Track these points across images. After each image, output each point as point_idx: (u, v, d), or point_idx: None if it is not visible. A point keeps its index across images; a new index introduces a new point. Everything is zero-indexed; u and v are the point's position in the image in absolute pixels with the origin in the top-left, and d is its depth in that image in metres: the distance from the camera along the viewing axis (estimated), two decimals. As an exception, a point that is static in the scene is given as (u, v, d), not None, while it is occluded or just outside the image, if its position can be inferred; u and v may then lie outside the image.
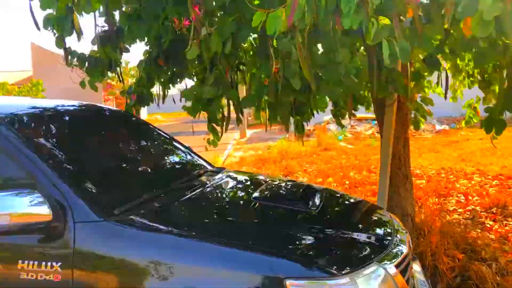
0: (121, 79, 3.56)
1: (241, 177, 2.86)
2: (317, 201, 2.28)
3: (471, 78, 4.79)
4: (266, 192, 2.34)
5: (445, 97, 3.81)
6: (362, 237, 2.00)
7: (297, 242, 1.84)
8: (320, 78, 2.22)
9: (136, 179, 2.29)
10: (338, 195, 2.82)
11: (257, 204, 2.20)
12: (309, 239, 1.87)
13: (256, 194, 2.26)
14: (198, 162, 2.99)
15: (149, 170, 2.46)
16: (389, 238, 2.01)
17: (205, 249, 1.69)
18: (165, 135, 3.11)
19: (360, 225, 2.23)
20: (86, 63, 3.20)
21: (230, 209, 2.24)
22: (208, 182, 2.45)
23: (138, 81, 3.53)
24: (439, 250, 3.51)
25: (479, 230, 4.37)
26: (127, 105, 3.50)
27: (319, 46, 2.25)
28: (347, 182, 6.84)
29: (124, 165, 2.37)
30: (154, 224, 1.86)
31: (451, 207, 5.29)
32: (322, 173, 7.75)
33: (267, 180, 2.74)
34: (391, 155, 3.91)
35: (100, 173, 2.14)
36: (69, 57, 3.13)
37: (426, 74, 3.43)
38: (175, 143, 3.08)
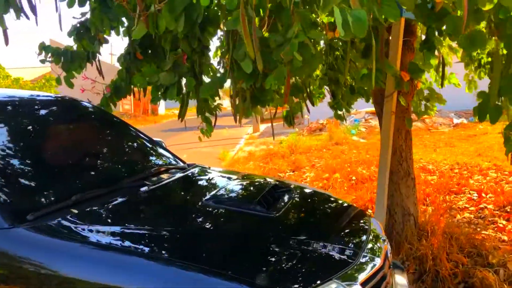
0: (100, 72, 3.36)
1: (205, 175, 2.58)
2: (281, 203, 2.01)
3: (482, 69, 4.45)
4: (223, 194, 2.07)
5: (442, 85, 3.48)
6: (326, 247, 1.69)
7: (242, 256, 1.56)
8: (271, 60, 1.94)
9: (69, 179, 2.01)
10: (313, 195, 2.51)
11: (208, 208, 1.92)
12: (257, 252, 1.59)
13: (210, 196, 1.99)
14: (162, 158, 2.74)
15: (91, 167, 2.20)
16: (358, 249, 1.73)
17: (127, 265, 1.41)
18: (132, 129, 2.84)
19: (327, 233, 1.89)
20: (62, 58, 2.99)
21: (171, 215, 1.90)
22: (162, 181, 2.19)
23: (118, 73, 3.33)
24: (441, 253, 3.21)
25: (490, 231, 4.04)
26: (103, 98, 3.28)
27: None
28: (353, 178, 6.53)
29: (58, 162, 2.07)
30: (74, 232, 1.58)
31: (462, 205, 4.95)
32: (329, 168, 7.45)
33: (234, 178, 2.48)
34: (391, 150, 3.61)
35: (20, 172, 1.87)
36: (43, 52, 2.94)
37: (420, 63, 3.13)
38: (141, 138, 2.81)
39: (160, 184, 2.13)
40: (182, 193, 2.19)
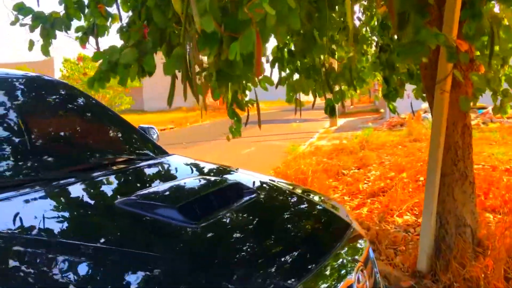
0: (97, 45, 2.98)
1: (159, 169, 2.17)
2: (224, 208, 1.57)
3: None
4: (149, 193, 1.64)
5: (489, 65, 2.75)
6: (255, 274, 1.22)
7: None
8: (237, 21, 1.50)
9: None
10: (281, 197, 2.00)
11: (112, 211, 1.52)
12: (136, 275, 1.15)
13: (127, 196, 1.58)
14: (132, 147, 2.41)
15: (26, 153, 1.85)
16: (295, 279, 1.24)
17: None
18: (109, 113, 2.50)
19: (266, 254, 1.38)
20: (41, 24, 2.69)
21: (56, 219, 1.47)
22: (97, 176, 1.84)
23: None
24: (497, 278, 2.56)
25: None
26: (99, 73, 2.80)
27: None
28: (421, 179, 5.79)
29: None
30: None
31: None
32: (398, 166, 6.73)
33: (194, 173, 2.11)
34: (442, 146, 2.99)
35: None
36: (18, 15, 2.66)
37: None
38: (115, 124, 2.49)
39: (82, 180, 1.78)
40: (101, 189, 1.79)
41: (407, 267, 3.13)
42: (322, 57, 3.49)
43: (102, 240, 1.33)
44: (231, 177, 2.11)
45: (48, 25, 2.63)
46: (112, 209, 1.55)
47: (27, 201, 1.53)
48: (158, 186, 1.79)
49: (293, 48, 3.49)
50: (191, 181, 1.90)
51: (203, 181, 1.90)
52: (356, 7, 3.99)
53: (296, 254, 1.41)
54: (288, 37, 3.11)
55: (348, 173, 7.01)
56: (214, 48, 1.58)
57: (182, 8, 1.45)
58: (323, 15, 2.80)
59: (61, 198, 1.64)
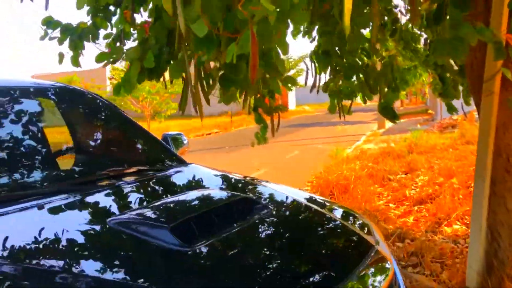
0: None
1: (169, 181, 2.01)
2: (227, 227, 1.39)
3: None
4: (146, 212, 1.48)
5: None
6: None
7: None
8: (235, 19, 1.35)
9: None
10: (298, 214, 1.78)
11: (103, 231, 1.40)
12: None
13: (122, 214, 1.45)
14: (150, 157, 2.28)
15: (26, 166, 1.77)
16: None
17: None
18: (121, 120, 2.36)
19: (270, 281, 1.20)
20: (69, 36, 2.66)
21: (48, 238, 1.32)
22: (99, 188, 1.72)
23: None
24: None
25: None
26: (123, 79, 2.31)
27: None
28: (472, 185, 5.39)
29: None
30: None
31: None
32: (448, 171, 6.34)
33: (205, 184, 1.94)
34: (491, 151, 2.72)
35: None
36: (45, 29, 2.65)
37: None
38: (130, 131, 2.36)
39: (76, 195, 1.65)
40: (99, 205, 1.64)
41: (454, 284, 2.87)
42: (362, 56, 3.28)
43: (75, 265, 1.20)
44: (247, 190, 1.95)
45: (76, 37, 2.61)
46: (102, 228, 1.42)
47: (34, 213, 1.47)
48: (158, 201, 1.63)
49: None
50: (196, 195, 1.74)
51: (209, 196, 1.74)
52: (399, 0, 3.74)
53: (307, 280, 1.24)
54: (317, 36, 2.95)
55: (395, 178, 6.69)
56: (212, 50, 1.45)
57: (173, 9, 1.34)
58: (360, 11, 2.63)
59: (50, 215, 1.52)
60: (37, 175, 1.77)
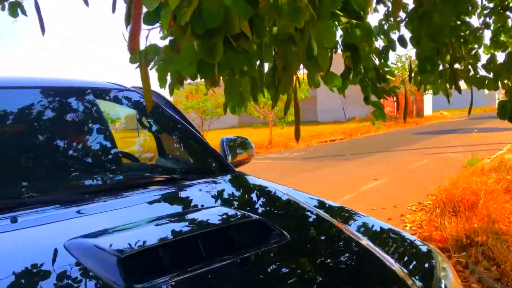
0: None
1: (194, 194, 1.73)
2: (213, 258, 1.09)
3: None
4: (118, 232, 1.23)
5: None
6: None
7: None
8: None
9: None
10: (330, 245, 1.39)
11: (50, 254, 1.13)
12: None
13: (86, 236, 1.19)
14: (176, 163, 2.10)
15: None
16: None
17: None
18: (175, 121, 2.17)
19: None
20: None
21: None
22: (94, 199, 1.52)
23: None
24: None
25: None
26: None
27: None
28: None
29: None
30: None
31: None
32: None
33: (232, 199, 1.66)
34: None
35: None
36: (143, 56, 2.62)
37: None
38: (176, 135, 2.21)
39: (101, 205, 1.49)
40: (74, 219, 1.40)
41: None
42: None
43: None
44: (274, 209, 1.66)
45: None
46: (54, 247, 1.17)
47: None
48: (137, 222, 1.34)
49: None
50: (190, 215, 1.45)
51: (209, 215, 1.43)
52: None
53: None
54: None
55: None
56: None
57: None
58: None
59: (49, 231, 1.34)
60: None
